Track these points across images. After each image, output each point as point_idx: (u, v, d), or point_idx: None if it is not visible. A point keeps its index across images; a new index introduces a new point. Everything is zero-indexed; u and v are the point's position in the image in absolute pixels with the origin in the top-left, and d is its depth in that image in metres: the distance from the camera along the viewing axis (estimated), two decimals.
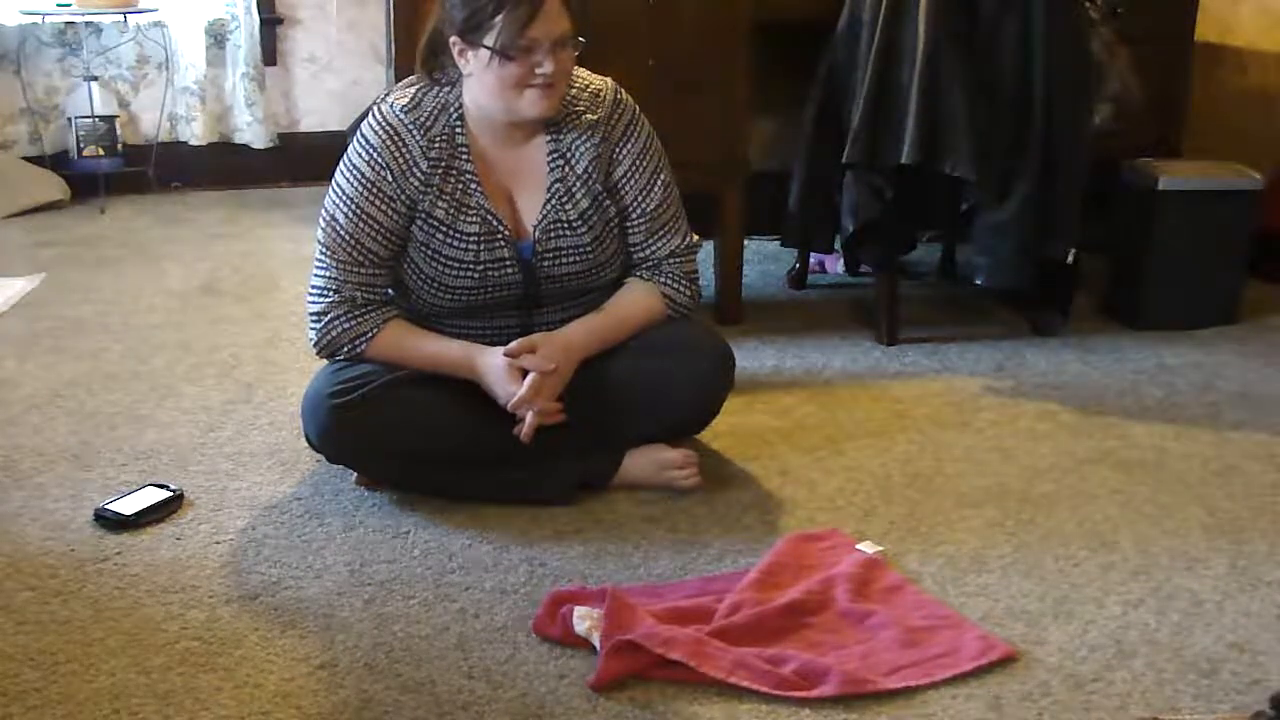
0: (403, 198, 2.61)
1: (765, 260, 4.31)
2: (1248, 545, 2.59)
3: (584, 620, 2.17)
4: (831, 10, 3.62)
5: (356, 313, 2.62)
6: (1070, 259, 3.59)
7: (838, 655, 2.15)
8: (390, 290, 2.71)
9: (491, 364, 2.61)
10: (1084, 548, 2.56)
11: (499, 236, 2.64)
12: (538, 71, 2.54)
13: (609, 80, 2.75)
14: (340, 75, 5.35)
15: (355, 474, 2.71)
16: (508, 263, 2.65)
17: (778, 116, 4.27)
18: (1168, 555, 2.54)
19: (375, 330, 2.62)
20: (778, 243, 4.17)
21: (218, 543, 2.50)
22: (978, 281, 3.62)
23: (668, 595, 2.32)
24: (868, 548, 2.48)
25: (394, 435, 2.58)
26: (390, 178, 2.60)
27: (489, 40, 2.52)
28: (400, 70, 3.39)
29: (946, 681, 2.11)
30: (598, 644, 2.12)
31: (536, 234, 2.66)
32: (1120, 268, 3.96)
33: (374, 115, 2.65)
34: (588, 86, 2.71)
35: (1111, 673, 2.15)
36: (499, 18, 2.50)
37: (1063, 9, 3.41)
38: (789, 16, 3.73)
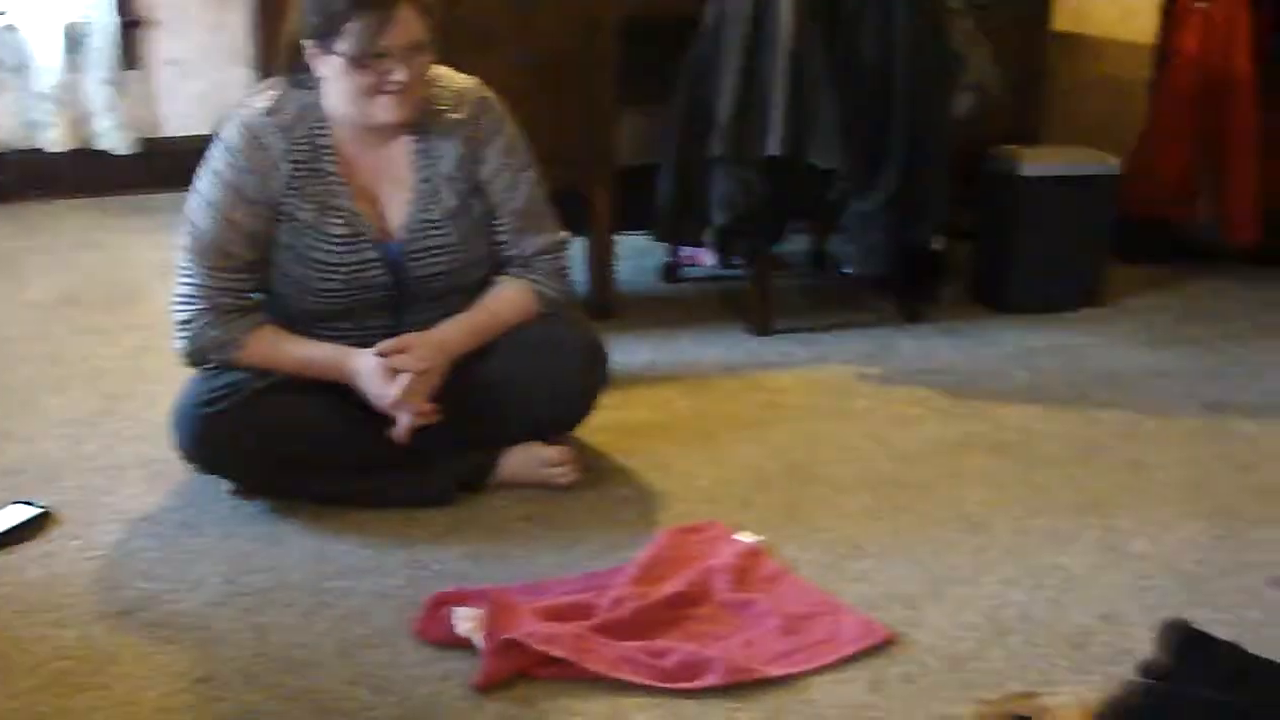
0: (265, 200, 2.58)
1: (638, 255, 4.31)
2: (1114, 520, 2.65)
3: (466, 621, 2.16)
4: (697, 4, 3.63)
5: (224, 319, 2.58)
6: (937, 246, 3.65)
7: (720, 645, 2.17)
8: (257, 295, 2.67)
9: (363, 365, 2.59)
10: (958, 530, 2.60)
11: (364, 238, 2.62)
12: (390, 79, 2.52)
13: (474, 79, 2.74)
14: (204, 78, 5.26)
15: (229, 483, 2.68)
16: (375, 264, 2.63)
17: (646, 111, 4.28)
18: (1038, 534, 2.59)
19: (244, 336, 2.59)
20: (649, 237, 4.18)
21: (89, 559, 2.45)
22: (848, 270, 3.67)
23: (549, 593, 2.31)
24: (747, 537, 2.50)
25: (266, 442, 2.55)
26: (252, 181, 2.57)
27: (340, 47, 2.49)
28: (265, 73, 3.34)
29: (828, 666, 2.13)
30: (480, 644, 2.11)
31: (403, 234, 2.65)
32: (986, 253, 4.03)
33: (234, 119, 2.61)
34: (452, 86, 2.70)
35: (988, 650, 2.19)
36: (350, 25, 2.47)
37: (924, 2, 3.46)
38: (655, 11, 3.74)
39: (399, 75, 2.51)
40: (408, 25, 2.50)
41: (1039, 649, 2.20)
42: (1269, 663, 2.00)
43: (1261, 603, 2.35)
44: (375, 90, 2.53)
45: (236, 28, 5.18)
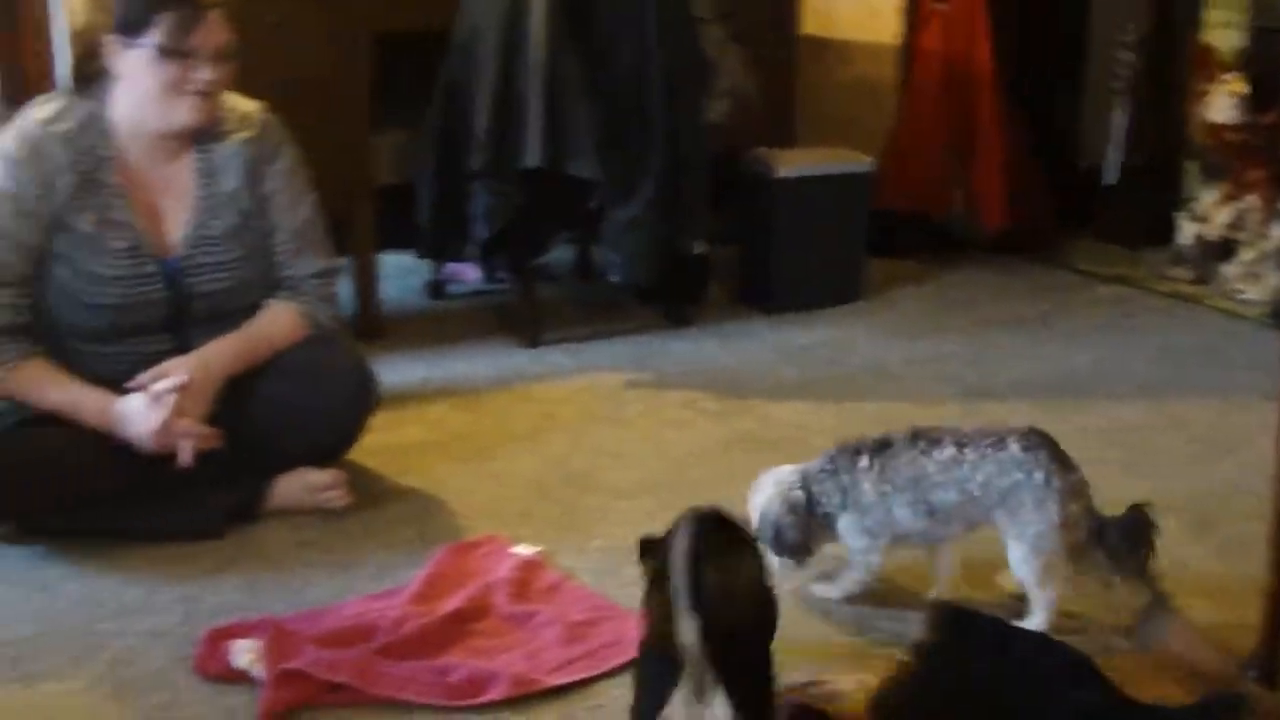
0: (46, 213, 2.51)
1: (404, 273, 4.27)
2: None
3: (244, 653, 2.11)
4: (450, 19, 3.62)
5: None
6: (700, 250, 3.70)
7: (504, 658, 2.16)
8: (30, 315, 2.56)
9: (129, 404, 2.51)
10: None
11: (142, 251, 2.56)
12: (195, 77, 2.50)
13: (257, 103, 2.72)
14: None
15: None
16: (153, 279, 2.57)
17: (404, 128, 4.25)
18: None
19: (13, 361, 2.50)
20: (413, 255, 4.15)
21: None
22: (613, 278, 3.69)
23: (329, 618, 2.28)
24: (525, 549, 2.50)
25: (30, 477, 2.47)
26: (33, 193, 2.50)
27: (149, 39, 2.47)
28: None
29: (615, 670, 2.13)
30: (261, 676, 2.07)
31: (182, 249, 2.60)
32: (749, 255, 4.10)
33: (15, 130, 2.54)
34: (236, 108, 2.68)
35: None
36: (162, 16, 2.45)
37: (675, 11, 3.51)
38: (407, 27, 3.71)
39: (204, 74, 2.50)
40: (217, 28, 2.51)
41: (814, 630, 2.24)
42: (1027, 632, 2.08)
43: None
44: (179, 88, 2.50)
45: None
